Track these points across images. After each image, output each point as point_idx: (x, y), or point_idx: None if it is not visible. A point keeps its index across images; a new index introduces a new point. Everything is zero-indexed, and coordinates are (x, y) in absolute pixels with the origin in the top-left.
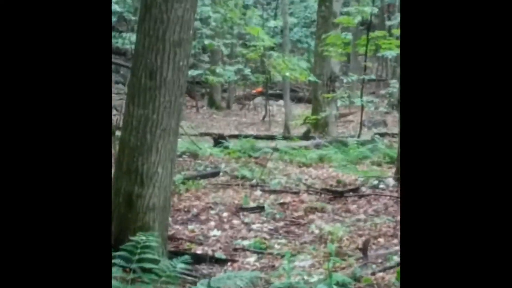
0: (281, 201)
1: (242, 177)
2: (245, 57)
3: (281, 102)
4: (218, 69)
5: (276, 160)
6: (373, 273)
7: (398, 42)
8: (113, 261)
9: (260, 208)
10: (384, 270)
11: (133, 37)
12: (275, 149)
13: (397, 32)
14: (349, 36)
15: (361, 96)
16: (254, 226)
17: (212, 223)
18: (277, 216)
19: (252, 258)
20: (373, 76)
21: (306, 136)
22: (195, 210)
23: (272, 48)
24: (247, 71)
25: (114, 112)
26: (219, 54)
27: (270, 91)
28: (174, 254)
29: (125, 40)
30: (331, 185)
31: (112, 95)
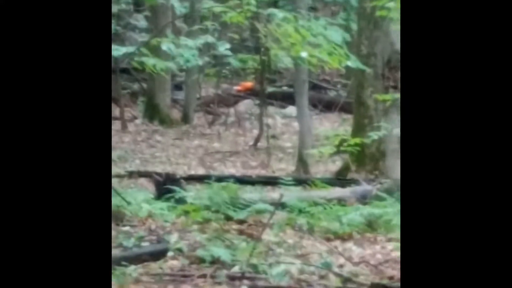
0: None
1: (213, 260)
2: (220, 21)
3: (291, 110)
4: (166, 45)
5: (280, 227)
6: None
7: None
8: None
9: None
10: None
11: None
12: (279, 205)
13: None
14: None
15: None
16: None
17: None
18: None
19: None
20: None
21: (341, 179)
22: None
23: (274, 4)
24: (224, 48)
25: None
26: (167, 15)
27: (270, 89)
28: None
29: None
30: (391, 278)
31: None
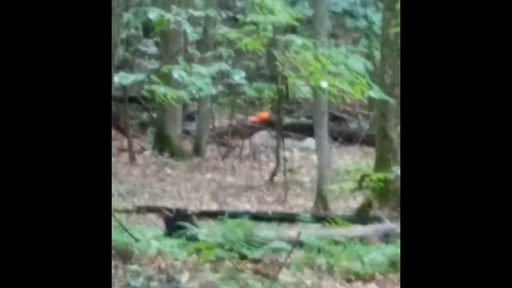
0: None
1: None
2: (235, 48)
3: (309, 142)
4: (177, 72)
5: (298, 267)
6: None
7: None
8: None
9: None
10: None
11: None
12: (297, 243)
13: None
14: None
15: None
16: None
17: None
18: None
19: None
20: None
21: (363, 216)
22: None
23: (292, 30)
24: (239, 76)
25: None
26: (178, 41)
27: (287, 120)
28: None
29: None
30: None
31: None
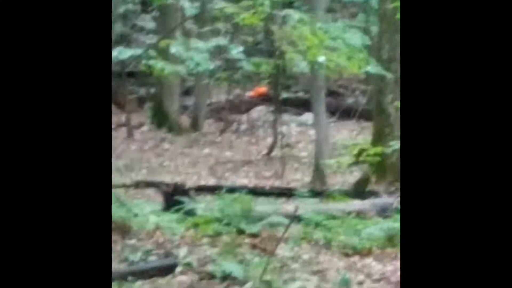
0: None
1: (224, 276)
2: (233, 23)
3: (307, 117)
4: (175, 47)
5: (296, 241)
6: None
7: None
8: None
9: None
10: None
11: None
12: (295, 218)
13: None
14: None
15: None
16: None
17: None
18: None
19: None
20: None
21: (360, 191)
22: None
23: (289, 4)
24: (236, 51)
25: None
26: (176, 16)
27: (285, 95)
28: None
29: None
30: None
31: None
